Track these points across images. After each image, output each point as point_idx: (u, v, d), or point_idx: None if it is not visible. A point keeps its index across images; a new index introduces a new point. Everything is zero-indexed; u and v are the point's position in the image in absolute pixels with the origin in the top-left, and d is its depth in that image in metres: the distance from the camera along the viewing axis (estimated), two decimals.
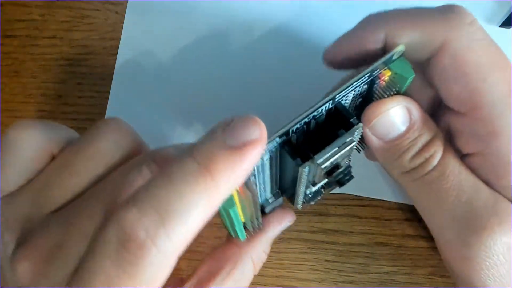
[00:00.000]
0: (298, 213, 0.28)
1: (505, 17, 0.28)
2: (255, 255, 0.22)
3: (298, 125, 0.17)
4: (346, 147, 0.18)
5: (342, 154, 0.19)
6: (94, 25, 0.31)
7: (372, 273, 0.28)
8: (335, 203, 0.28)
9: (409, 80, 0.19)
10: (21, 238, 0.17)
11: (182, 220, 0.14)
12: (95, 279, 0.14)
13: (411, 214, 0.28)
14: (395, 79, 0.19)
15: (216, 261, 0.22)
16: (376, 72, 0.19)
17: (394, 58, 0.19)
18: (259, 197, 0.21)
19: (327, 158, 0.18)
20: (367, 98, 0.21)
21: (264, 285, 0.28)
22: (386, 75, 0.19)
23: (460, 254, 0.19)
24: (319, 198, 0.23)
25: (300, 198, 0.21)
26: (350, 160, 0.21)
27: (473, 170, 0.20)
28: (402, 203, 0.28)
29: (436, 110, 0.22)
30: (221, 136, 0.14)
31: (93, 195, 0.17)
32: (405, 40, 0.19)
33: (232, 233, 0.21)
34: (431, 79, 0.20)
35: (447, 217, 0.19)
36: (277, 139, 0.17)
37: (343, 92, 0.18)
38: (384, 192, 0.28)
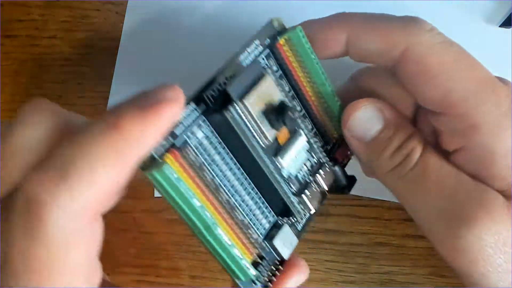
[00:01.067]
0: None
1: (505, 17, 0.28)
2: None
3: (211, 92, 0.17)
4: (264, 79, 0.18)
5: (265, 90, 0.18)
6: (94, 25, 0.31)
7: (372, 273, 0.28)
8: (335, 203, 0.28)
9: (301, 35, 0.19)
10: None
11: (87, 178, 0.13)
12: (12, 255, 0.14)
13: None
14: (292, 42, 0.19)
15: None
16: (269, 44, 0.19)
17: (276, 28, 0.20)
18: (255, 228, 0.19)
19: (246, 92, 0.17)
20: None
21: None
22: (281, 43, 0.19)
23: (453, 247, 0.19)
24: (320, 182, 0.21)
25: (287, 189, 0.19)
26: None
27: (461, 166, 0.20)
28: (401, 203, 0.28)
29: (420, 113, 0.22)
30: (133, 100, 0.14)
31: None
32: (366, 45, 0.20)
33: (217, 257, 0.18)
34: (404, 85, 0.20)
35: (434, 212, 0.19)
36: (194, 107, 0.17)
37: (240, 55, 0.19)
38: (384, 192, 0.27)
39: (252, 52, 0.19)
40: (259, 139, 0.18)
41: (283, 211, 0.20)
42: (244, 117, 0.17)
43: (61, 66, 0.31)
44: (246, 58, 0.19)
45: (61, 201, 0.13)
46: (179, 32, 0.30)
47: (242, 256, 0.17)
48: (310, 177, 0.21)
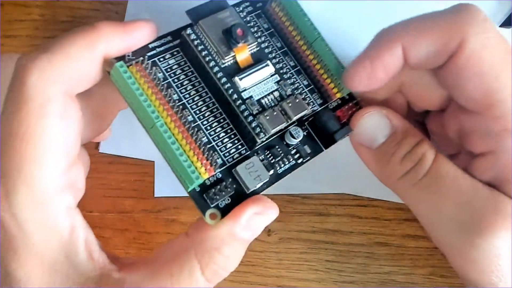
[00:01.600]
0: (298, 213, 0.28)
1: (505, 17, 0.28)
2: (204, 255, 0.18)
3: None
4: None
5: (222, 18, 0.20)
6: None
7: (372, 273, 0.28)
8: (335, 203, 0.28)
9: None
10: None
11: (63, 52, 0.17)
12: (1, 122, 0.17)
13: (411, 214, 0.28)
14: (283, 5, 0.21)
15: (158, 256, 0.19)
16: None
17: None
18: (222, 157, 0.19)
19: (204, 17, 0.20)
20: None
21: (264, 285, 0.28)
22: (273, 6, 0.22)
23: (466, 257, 0.19)
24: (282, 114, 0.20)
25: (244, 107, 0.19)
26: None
27: (483, 171, 0.19)
28: (402, 203, 0.28)
29: (446, 111, 0.21)
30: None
31: None
32: (423, 49, 0.19)
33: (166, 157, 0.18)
34: (444, 79, 0.20)
35: (449, 221, 0.19)
36: (170, 39, 0.20)
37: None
38: (384, 192, 0.28)
39: (241, 6, 0.21)
40: (217, 59, 0.20)
41: (247, 139, 0.20)
42: (201, 37, 0.20)
43: None
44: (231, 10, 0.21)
45: (40, 65, 0.17)
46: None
47: (192, 166, 0.18)
48: (278, 106, 0.20)
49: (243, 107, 0.19)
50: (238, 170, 0.19)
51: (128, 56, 0.19)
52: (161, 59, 0.20)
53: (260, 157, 0.20)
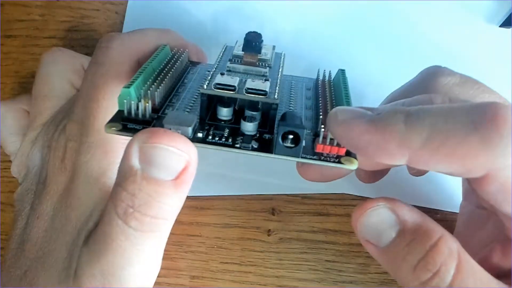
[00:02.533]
0: (298, 213, 0.28)
1: (505, 17, 0.28)
2: (113, 195, 0.17)
3: None
4: None
5: None
6: (94, 25, 0.31)
7: (372, 273, 0.28)
8: (335, 203, 0.28)
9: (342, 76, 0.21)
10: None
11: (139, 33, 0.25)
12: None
13: None
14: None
15: None
16: None
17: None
18: None
19: None
20: None
21: (264, 285, 0.28)
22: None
23: None
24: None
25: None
26: None
27: None
28: None
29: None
30: None
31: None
32: (433, 168, 0.16)
33: None
34: (476, 191, 0.17)
35: None
36: None
37: None
38: (384, 192, 0.28)
39: None
40: None
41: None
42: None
43: None
44: None
45: (120, 37, 0.24)
46: (179, 32, 0.30)
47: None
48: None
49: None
50: (168, 112, 0.18)
51: None
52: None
53: (196, 119, 0.19)
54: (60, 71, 0.26)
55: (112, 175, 0.22)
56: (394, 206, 0.18)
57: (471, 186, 0.17)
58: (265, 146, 0.19)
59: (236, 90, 0.19)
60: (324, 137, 0.18)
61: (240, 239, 0.28)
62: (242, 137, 0.19)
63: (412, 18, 0.29)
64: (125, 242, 0.18)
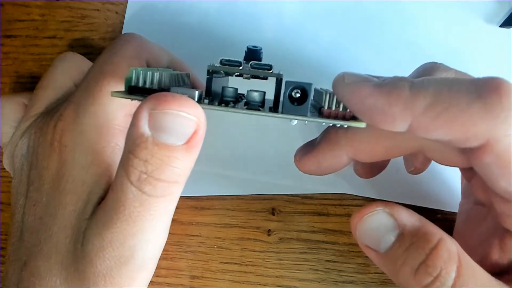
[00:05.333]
0: (298, 213, 0.28)
1: (505, 17, 0.28)
2: (125, 161, 0.17)
3: None
4: None
5: None
6: (94, 25, 0.31)
7: (372, 273, 0.28)
8: (335, 203, 0.28)
9: None
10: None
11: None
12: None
13: None
14: None
15: None
16: None
17: None
18: None
19: None
20: None
21: (264, 285, 0.28)
22: None
23: None
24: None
25: None
26: None
27: None
28: (402, 203, 0.28)
29: (473, 178, 0.20)
30: None
31: None
32: (435, 136, 0.16)
33: None
34: (472, 164, 0.18)
35: None
36: None
37: None
38: (384, 192, 0.28)
39: None
40: None
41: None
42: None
43: None
44: None
45: (137, 37, 0.25)
46: (179, 32, 0.30)
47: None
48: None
49: None
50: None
51: None
52: None
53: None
54: (64, 68, 0.26)
55: (109, 157, 0.21)
56: (392, 210, 0.18)
57: (470, 160, 0.17)
58: (271, 108, 0.18)
59: (242, 66, 0.18)
60: (330, 101, 0.18)
61: (240, 239, 0.28)
62: (247, 105, 0.18)
63: (412, 18, 0.29)
64: (139, 208, 0.18)
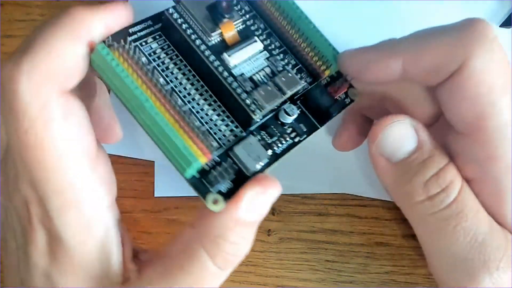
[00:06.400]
0: (298, 213, 0.28)
1: (505, 17, 0.28)
2: (212, 245, 0.17)
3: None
4: None
5: None
6: None
7: (372, 273, 0.28)
8: (335, 203, 0.28)
9: None
10: None
11: (44, 48, 0.16)
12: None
13: None
14: None
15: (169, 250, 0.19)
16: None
17: None
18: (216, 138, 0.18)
19: None
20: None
21: (264, 285, 0.28)
22: None
23: None
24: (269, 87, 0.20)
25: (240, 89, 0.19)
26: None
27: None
28: None
29: (433, 126, 0.21)
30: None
31: None
32: (424, 64, 0.18)
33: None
34: (438, 95, 0.19)
35: (461, 257, 0.18)
36: (150, 23, 0.20)
37: None
38: (384, 192, 0.28)
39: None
40: (203, 37, 0.19)
41: (241, 119, 0.19)
42: (185, 16, 0.19)
43: None
44: None
45: (25, 69, 0.15)
46: None
47: (189, 149, 0.17)
48: (270, 81, 0.20)
49: (235, 84, 0.18)
50: (236, 151, 0.18)
51: (108, 40, 0.17)
52: (143, 43, 0.19)
53: (257, 137, 0.19)
54: None
55: (103, 227, 0.18)
56: (416, 124, 0.19)
57: (440, 93, 0.19)
58: (313, 122, 0.21)
59: (281, 98, 0.19)
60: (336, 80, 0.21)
61: None
62: (289, 127, 0.20)
63: (412, 17, 0.29)
64: (213, 283, 0.18)
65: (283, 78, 0.19)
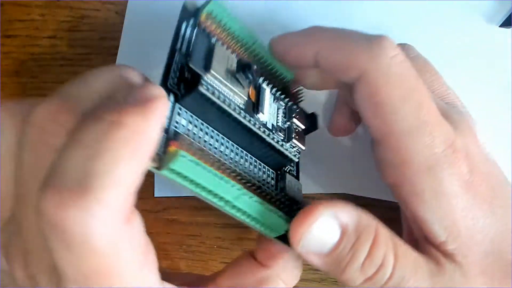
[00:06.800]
0: None
1: (505, 17, 0.28)
2: (285, 276, 0.20)
3: (172, 80, 0.18)
4: (218, 50, 0.18)
5: (221, 55, 0.18)
6: (94, 25, 0.31)
7: None
8: None
9: (218, 4, 0.19)
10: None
11: (108, 182, 0.13)
12: (67, 277, 0.14)
13: None
14: (213, 15, 0.19)
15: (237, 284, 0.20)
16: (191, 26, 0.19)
17: (192, 9, 0.19)
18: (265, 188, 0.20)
19: (207, 62, 0.18)
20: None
21: None
22: (203, 19, 0.19)
23: None
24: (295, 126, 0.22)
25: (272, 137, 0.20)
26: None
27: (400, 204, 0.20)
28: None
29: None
30: (123, 98, 0.14)
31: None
32: (332, 62, 0.20)
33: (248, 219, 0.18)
34: (354, 99, 0.20)
35: None
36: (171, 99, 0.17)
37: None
38: (384, 192, 0.28)
39: (186, 36, 0.19)
40: (236, 102, 0.19)
41: (278, 163, 0.21)
42: (216, 86, 0.18)
43: (61, 66, 0.31)
44: (182, 43, 0.19)
45: (94, 213, 0.13)
46: None
47: (279, 212, 0.19)
48: (288, 122, 0.21)
49: (276, 137, 0.20)
50: (288, 193, 0.20)
51: (181, 145, 0.16)
52: (177, 126, 0.17)
53: (287, 172, 0.22)
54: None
55: None
56: (335, 211, 0.19)
57: (352, 92, 0.20)
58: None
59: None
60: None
61: (240, 239, 0.28)
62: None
63: (412, 17, 0.29)
64: None
65: (297, 116, 0.22)
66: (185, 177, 0.15)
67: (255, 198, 0.18)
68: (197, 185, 0.16)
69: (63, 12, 0.31)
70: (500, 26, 0.28)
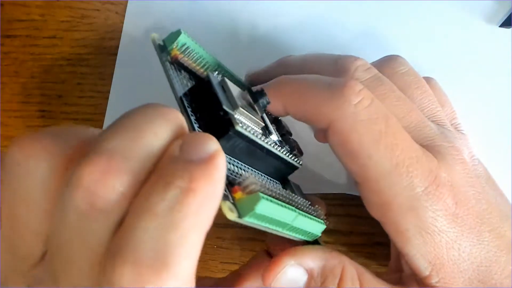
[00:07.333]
0: None
1: (505, 17, 0.28)
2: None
3: (198, 126, 0.17)
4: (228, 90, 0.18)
5: (233, 90, 0.18)
6: (94, 25, 0.31)
7: None
8: (335, 203, 0.28)
9: (181, 36, 0.19)
10: None
11: (184, 255, 0.13)
12: None
13: None
14: (182, 46, 0.19)
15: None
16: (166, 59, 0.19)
17: (160, 43, 0.19)
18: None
19: (230, 101, 0.18)
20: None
21: None
22: (174, 53, 0.19)
23: None
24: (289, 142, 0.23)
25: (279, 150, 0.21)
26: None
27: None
28: None
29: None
30: (182, 155, 0.13)
31: None
32: (299, 115, 0.20)
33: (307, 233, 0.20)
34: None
35: None
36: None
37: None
38: None
39: (179, 76, 0.19)
40: (258, 130, 0.19)
41: (285, 173, 0.23)
42: (244, 120, 0.18)
43: (61, 66, 0.31)
44: (180, 83, 0.19)
45: (170, 285, 0.12)
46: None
47: (317, 227, 0.20)
48: (281, 136, 0.23)
49: (284, 151, 0.21)
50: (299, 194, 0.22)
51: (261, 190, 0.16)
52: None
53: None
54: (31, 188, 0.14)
55: None
56: (299, 259, 0.19)
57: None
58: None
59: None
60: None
61: (240, 239, 0.28)
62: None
63: (412, 18, 0.29)
64: None
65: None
66: (264, 217, 0.15)
67: (304, 213, 0.18)
68: (273, 221, 0.16)
69: (63, 12, 0.31)
70: (500, 26, 0.28)
